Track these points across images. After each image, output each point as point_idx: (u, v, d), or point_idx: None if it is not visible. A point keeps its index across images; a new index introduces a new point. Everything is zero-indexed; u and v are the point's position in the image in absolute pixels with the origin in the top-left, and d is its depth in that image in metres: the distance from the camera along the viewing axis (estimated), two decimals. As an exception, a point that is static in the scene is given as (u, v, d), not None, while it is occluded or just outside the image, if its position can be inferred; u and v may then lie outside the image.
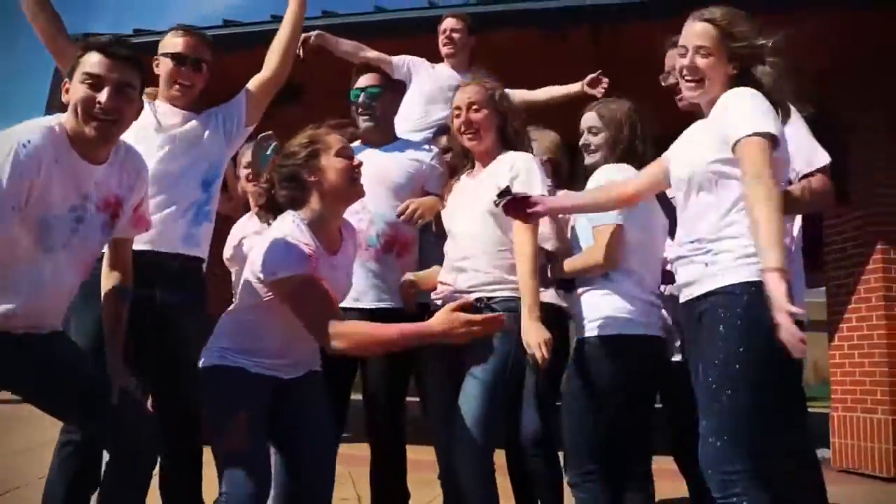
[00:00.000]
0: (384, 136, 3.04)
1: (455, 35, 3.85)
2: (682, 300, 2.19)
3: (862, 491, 4.57)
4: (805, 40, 4.80)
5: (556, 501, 2.97)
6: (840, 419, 5.57)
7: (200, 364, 2.24)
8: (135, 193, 2.23)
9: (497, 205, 2.37)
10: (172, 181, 2.61)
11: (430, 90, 3.77)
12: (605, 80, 3.64)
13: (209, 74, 2.79)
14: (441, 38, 3.88)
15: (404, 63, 3.90)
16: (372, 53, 3.92)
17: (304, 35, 3.82)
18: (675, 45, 2.25)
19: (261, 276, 2.11)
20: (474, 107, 2.61)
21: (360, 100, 3.00)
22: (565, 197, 2.50)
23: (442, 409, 2.58)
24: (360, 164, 2.29)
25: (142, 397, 2.59)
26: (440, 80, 3.79)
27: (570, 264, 2.55)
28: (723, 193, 2.05)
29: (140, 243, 2.47)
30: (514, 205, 2.35)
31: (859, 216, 5.45)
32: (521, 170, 2.55)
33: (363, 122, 2.99)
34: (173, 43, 2.71)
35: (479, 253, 2.54)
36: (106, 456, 2.32)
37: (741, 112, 2.00)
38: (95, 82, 1.98)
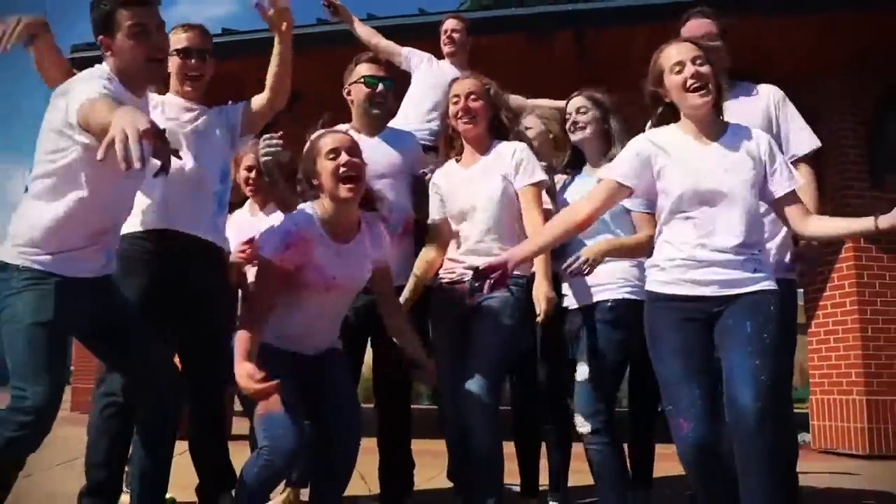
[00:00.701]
0: (381, 126, 3.17)
1: (455, 35, 4.02)
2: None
3: (840, 468, 4.78)
4: (782, 42, 5.16)
5: (564, 461, 3.23)
6: (818, 402, 5.85)
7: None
8: None
9: (473, 290, 2.48)
10: (198, 174, 2.76)
11: (433, 83, 3.89)
12: None
13: (216, 64, 2.92)
14: (443, 38, 4.03)
15: (411, 55, 4.12)
16: (383, 42, 4.21)
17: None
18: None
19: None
20: (472, 96, 2.86)
21: (379, 89, 3.10)
22: (529, 244, 2.56)
23: (450, 363, 2.80)
24: (347, 161, 2.39)
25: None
26: (442, 75, 3.88)
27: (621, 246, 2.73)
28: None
29: (162, 223, 2.71)
30: (488, 276, 2.41)
31: (831, 209, 5.72)
32: (523, 157, 2.82)
33: (373, 111, 3.11)
34: (177, 39, 2.81)
35: (491, 235, 2.80)
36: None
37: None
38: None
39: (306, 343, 2.51)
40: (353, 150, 2.46)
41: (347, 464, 2.51)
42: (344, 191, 2.40)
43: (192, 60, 2.83)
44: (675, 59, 2.33)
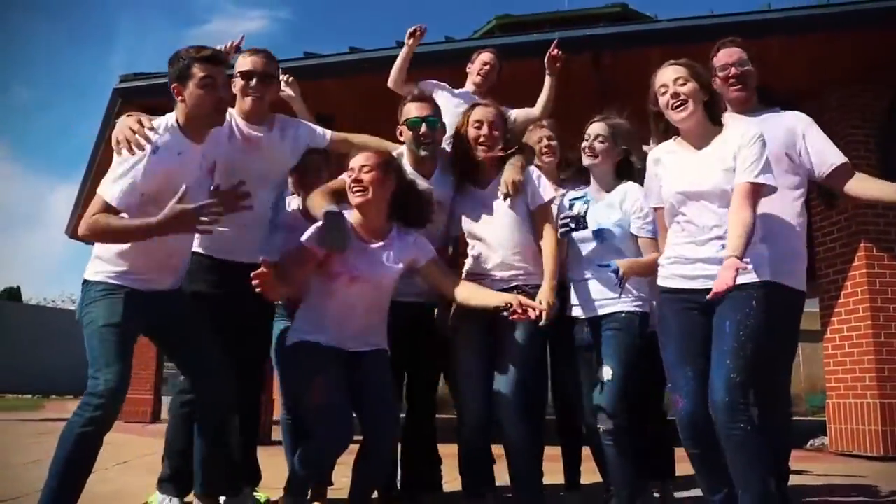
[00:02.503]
0: (432, 166, 3.23)
1: (487, 69, 3.99)
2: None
3: (856, 470, 4.92)
4: (782, 62, 5.38)
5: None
6: (835, 406, 6.01)
7: (287, 342, 2.87)
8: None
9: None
10: (253, 212, 2.92)
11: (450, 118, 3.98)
12: None
13: (277, 86, 3.21)
14: (477, 68, 4.01)
15: (428, 90, 4.10)
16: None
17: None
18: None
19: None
20: (494, 125, 3.12)
21: (423, 130, 3.14)
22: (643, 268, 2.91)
23: (479, 361, 3.03)
24: (356, 178, 2.80)
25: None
26: (457, 106, 3.89)
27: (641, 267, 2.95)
28: None
29: (223, 254, 3.06)
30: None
31: (844, 217, 5.95)
32: (537, 179, 3.10)
33: (422, 151, 3.15)
34: (242, 62, 3.10)
35: (520, 253, 3.05)
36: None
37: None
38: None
39: (345, 333, 2.83)
40: (368, 167, 2.82)
41: (380, 461, 2.80)
42: (353, 199, 2.85)
43: (254, 82, 3.07)
44: (661, 82, 2.66)
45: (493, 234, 3.09)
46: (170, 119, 2.69)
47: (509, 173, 3.05)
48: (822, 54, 5.57)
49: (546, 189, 3.10)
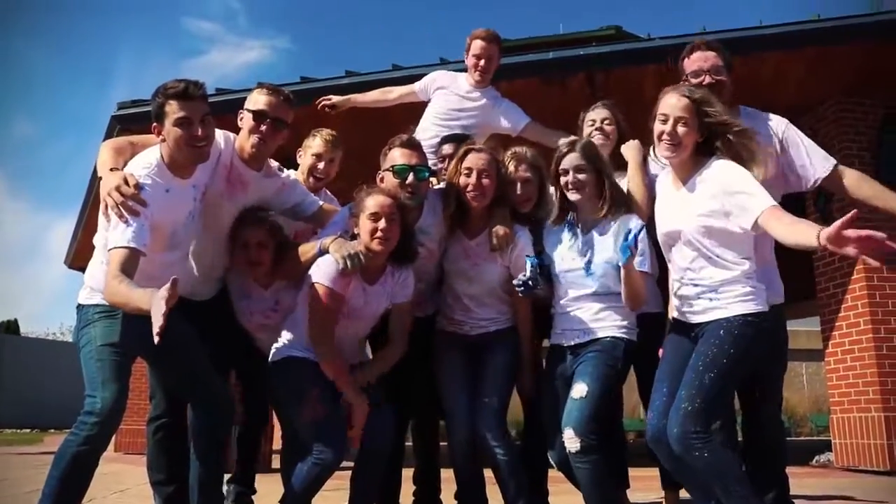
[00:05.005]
0: (417, 215, 3.06)
1: (483, 62, 3.89)
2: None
3: (862, 485, 4.87)
4: (775, 77, 5.43)
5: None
6: (839, 421, 5.97)
7: (272, 358, 2.89)
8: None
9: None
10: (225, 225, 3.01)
11: (442, 118, 3.93)
12: None
13: (286, 134, 2.93)
14: (473, 63, 3.91)
15: (426, 87, 4.12)
16: (396, 93, 4.28)
17: (333, 100, 4.30)
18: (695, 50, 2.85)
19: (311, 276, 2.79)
20: (485, 174, 2.99)
21: (409, 180, 2.96)
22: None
23: (464, 383, 3.07)
24: (384, 228, 2.76)
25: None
26: (456, 102, 3.95)
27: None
28: None
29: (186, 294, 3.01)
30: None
31: (842, 231, 5.93)
32: (520, 244, 3.00)
33: (405, 199, 2.94)
34: (255, 100, 2.87)
35: (492, 309, 3.12)
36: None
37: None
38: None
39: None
40: (392, 215, 2.79)
41: (377, 472, 2.84)
42: (376, 246, 2.79)
43: (264, 126, 2.85)
44: (662, 110, 2.60)
45: (470, 291, 3.11)
46: (155, 155, 2.65)
47: (498, 225, 2.98)
48: (815, 69, 5.62)
49: (528, 246, 3.01)
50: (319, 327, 2.77)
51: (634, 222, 2.83)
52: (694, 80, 2.86)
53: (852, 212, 2.00)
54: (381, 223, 2.76)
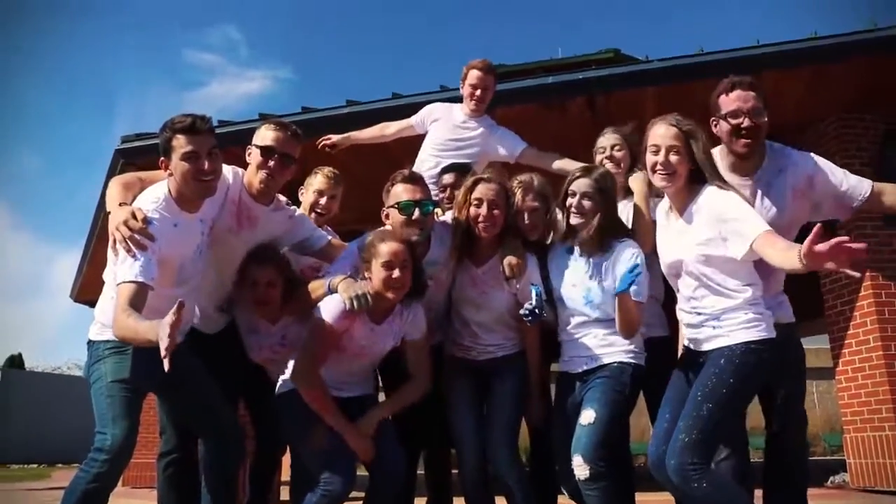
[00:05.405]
0: (424, 250, 3.05)
1: (479, 93, 3.94)
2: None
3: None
4: (775, 96, 5.44)
5: None
6: (853, 440, 5.89)
7: (279, 390, 2.89)
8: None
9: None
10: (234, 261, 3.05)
11: (439, 149, 3.96)
12: None
13: (294, 169, 2.97)
14: (469, 92, 3.96)
15: (422, 121, 4.17)
16: (394, 128, 4.32)
17: (333, 139, 4.33)
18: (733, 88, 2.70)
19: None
20: (495, 204, 2.99)
21: (416, 216, 2.97)
22: None
23: (474, 411, 3.10)
24: (398, 277, 2.74)
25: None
26: (453, 132, 3.98)
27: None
28: None
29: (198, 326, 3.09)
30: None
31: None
32: (529, 274, 2.99)
33: (412, 235, 2.93)
34: (263, 136, 2.89)
35: (500, 335, 3.12)
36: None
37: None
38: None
39: (340, 389, 2.88)
40: (405, 262, 2.78)
41: (387, 500, 2.82)
42: (391, 295, 2.78)
43: (272, 162, 2.87)
44: (653, 141, 2.60)
45: (478, 319, 3.11)
46: (163, 189, 2.66)
47: (509, 255, 2.96)
48: (814, 87, 5.62)
49: (535, 273, 3.02)
50: (309, 359, 2.74)
51: (632, 250, 2.86)
52: (732, 121, 2.70)
53: (816, 226, 2.00)
54: (395, 272, 2.75)
